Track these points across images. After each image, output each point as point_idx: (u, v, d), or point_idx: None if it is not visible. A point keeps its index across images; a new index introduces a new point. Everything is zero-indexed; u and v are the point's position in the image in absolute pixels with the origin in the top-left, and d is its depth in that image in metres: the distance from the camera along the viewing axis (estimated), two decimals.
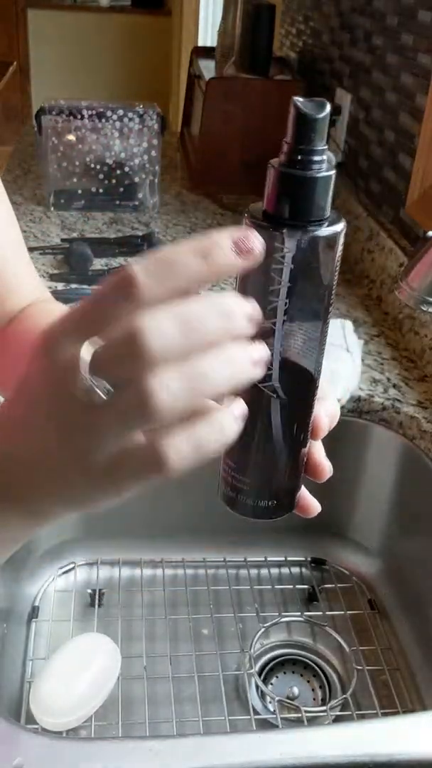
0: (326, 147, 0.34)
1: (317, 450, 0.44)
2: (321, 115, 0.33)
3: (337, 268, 0.36)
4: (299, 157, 0.33)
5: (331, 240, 0.34)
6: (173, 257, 0.30)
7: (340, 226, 0.35)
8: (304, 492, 0.44)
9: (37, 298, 0.64)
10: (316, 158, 0.33)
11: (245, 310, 0.31)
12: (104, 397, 0.30)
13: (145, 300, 0.29)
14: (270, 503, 0.42)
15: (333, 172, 0.34)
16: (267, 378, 0.36)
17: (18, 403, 0.35)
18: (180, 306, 0.30)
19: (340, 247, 0.35)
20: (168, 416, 0.30)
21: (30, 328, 0.60)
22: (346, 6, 1.49)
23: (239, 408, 0.33)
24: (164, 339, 0.29)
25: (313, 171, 0.33)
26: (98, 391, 0.30)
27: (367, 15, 1.37)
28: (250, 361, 0.31)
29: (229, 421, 0.32)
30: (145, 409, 0.29)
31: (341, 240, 0.35)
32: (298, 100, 0.33)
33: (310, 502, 0.44)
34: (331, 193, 0.34)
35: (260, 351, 0.32)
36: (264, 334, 0.34)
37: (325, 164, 0.34)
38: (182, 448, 0.31)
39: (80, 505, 0.36)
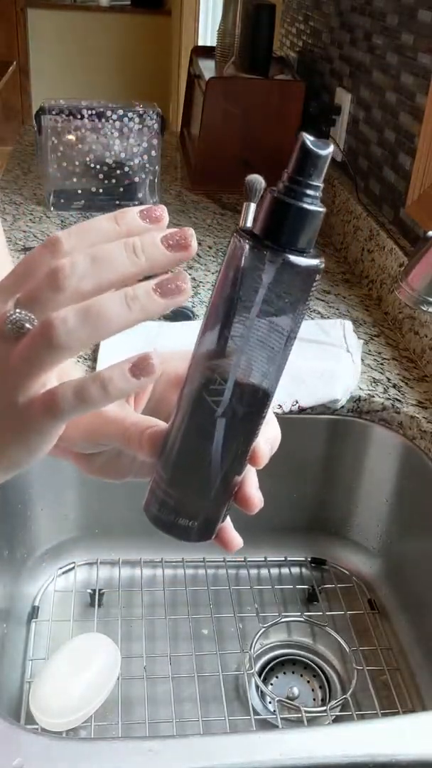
0: (322, 186, 0.35)
1: (251, 480, 0.43)
2: (324, 153, 0.34)
3: (309, 302, 0.37)
4: (296, 188, 0.34)
5: (311, 272, 0.35)
6: (91, 222, 0.35)
7: (318, 261, 0.36)
8: (228, 525, 0.44)
9: None
10: (312, 193, 0.34)
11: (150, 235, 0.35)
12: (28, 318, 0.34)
13: (66, 250, 0.34)
14: (190, 523, 0.42)
15: (323, 210, 0.35)
16: (217, 392, 0.37)
17: None
18: (93, 248, 0.34)
19: (315, 282, 0.36)
20: (65, 347, 0.34)
21: None
22: (346, 6, 1.49)
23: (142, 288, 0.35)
24: (76, 274, 0.33)
25: (306, 203, 0.34)
26: (16, 315, 0.34)
27: (367, 15, 1.37)
28: (147, 295, 0.34)
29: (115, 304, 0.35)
30: (46, 339, 0.34)
31: (318, 276, 0.36)
32: (307, 137, 0.34)
33: (232, 537, 0.44)
34: (317, 230, 0.35)
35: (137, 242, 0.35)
36: (226, 349, 0.36)
37: (318, 201, 0.35)
38: (69, 318, 0.34)
39: (8, 459, 0.38)
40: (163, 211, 0.35)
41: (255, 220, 0.35)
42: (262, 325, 0.36)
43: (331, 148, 0.35)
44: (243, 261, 0.35)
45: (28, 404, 0.36)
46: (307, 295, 0.36)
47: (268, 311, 0.36)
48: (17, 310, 0.34)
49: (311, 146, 0.34)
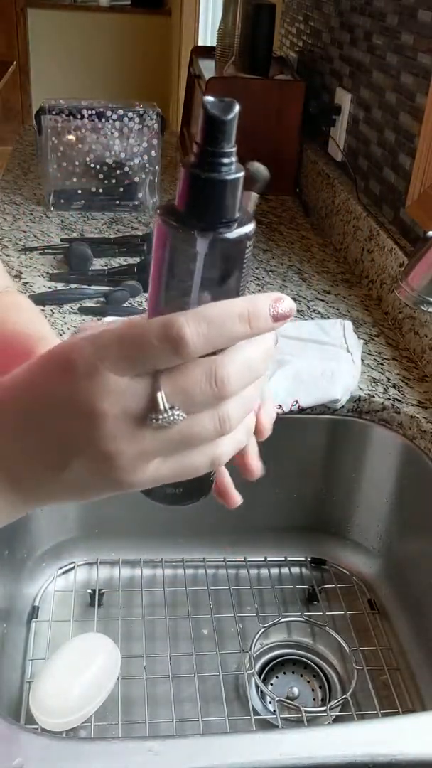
0: (234, 149, 0.34)
1: (253, 449, 0.47)
2: (228, 117, 0.33)
3: (246, 266, 0.37)
4: (207, 159, 0.33)
5: (240, 242, 0.35)
6: (223, 319, 0.34)
7: (249, 228, 0.35)
8: (228, 483, 0.48)
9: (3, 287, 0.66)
10: (224, 161, 0.33)
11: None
12: (178, 419, 0.35)
13: (189, 356, 0.34)
14: (177, 490, 0.42)
15: (240, 175, 0.34)
16: None
17: (29, 405, 0.37)
18: (247, 352, 0.36)
19: (249, 247, 0.36)
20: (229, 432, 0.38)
21: None
22: (346, 6, 1.49)
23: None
24: (239, 382, 0.36)
25: (220, 174, 0.33)
26: (173, 416, 0.35)
27: (367, 15, 1.37)
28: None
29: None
30: (219, 431, 0.37)
31: (251, 241, 0.36)
32: (208, 100, 0.33)
33: (234, 495, 0.48)
34: (239, 195, 0.34)
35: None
36: None
37: (233, 166, 0.34)
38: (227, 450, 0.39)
39: (85, 498, 0.40)
40: (289, 305, 0.36)
41: (177, 195, 0.35)
42: (205, 298, 0.36)
43: (236, 109, 0.33)
44: (172, 242, 0.34)
45: (124, 486, 0.37)
46: (243, 263, 0.36)
47: (208, 287, 0.36)
48: (176, 412, 0.35)
49: (214, 111, 0.33)
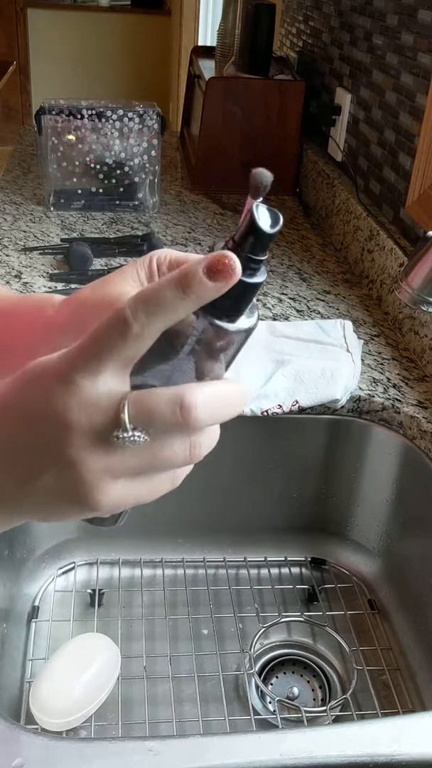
0: (265, 257, 0.35)
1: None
2: (273, 231, 0.34)
3: (232, 359, 0.38)
4: (243, 263, 0.34)
5: (237, 336, 0.36)
6: (158, 293, 0.34)
7: (250, 323, 0.36)
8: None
9: None
10: (253, 266, 0.35)
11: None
12: (139, 440, 0.35)
13: (137, 336, 0.34)
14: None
15: (262, 279, 0.35)
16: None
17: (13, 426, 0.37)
18: (217, 386, 0.36)
19: (243, 343, 0.37)
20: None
21: None
22: (346, 6, 1.49)
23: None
24: (207, 412, 0.35)
25: (245, 275, 0.34)
26: (134, 437, 0.35)
27: (367, 15, 1.37)
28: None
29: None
30: (188, 459, 0.37)
31: (248, 335, 0.37)
32: (259, 207, 0.34)
33: None
34: (254, 298, 0.36)
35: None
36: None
37: (259, 272, 0.35)
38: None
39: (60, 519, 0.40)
40: (231, 262, 0.34)
41: None
42: (180, 376, 0.37)
43: (280, 223, 0.34)
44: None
45: (89, 507, 0.37)
46: (232, 356, 0.37)
47: (190, 363, 0.37)
48: (137, 433, 0.35)
49: (260, 225, 0.34)
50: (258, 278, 0.35)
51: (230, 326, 0.36)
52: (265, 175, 0.36)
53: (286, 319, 1.12)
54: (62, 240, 1.35)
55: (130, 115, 1.44)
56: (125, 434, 0.35)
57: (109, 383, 0.35)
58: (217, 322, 0.35)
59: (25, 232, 1.38)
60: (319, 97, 1.66)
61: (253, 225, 0.34)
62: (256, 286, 0.35)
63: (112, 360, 0.35)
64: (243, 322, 0.36)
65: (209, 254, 0.34)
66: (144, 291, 0.34)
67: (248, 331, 0.36)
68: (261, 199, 0.35)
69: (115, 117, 1.44)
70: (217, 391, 0.36)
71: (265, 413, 0.92)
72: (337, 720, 0.83)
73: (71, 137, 1.45)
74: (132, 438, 0.35)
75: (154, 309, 0.34)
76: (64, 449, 0.35)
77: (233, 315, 0.36)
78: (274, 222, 0.34)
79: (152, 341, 0.35)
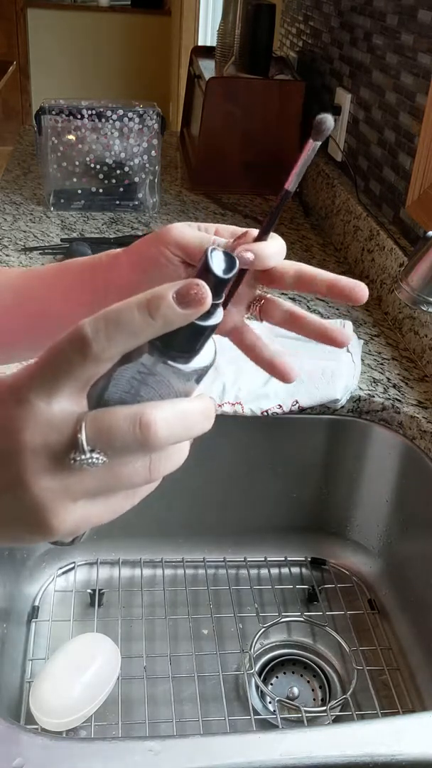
0: (221, 301, 0.35)
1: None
2: (227, 277, 0.34)
3: (197, 383, 0.38)
4: None
5: (187, 375, 0.36)
6: (120, 314, 0.33)
7: (203, 363, 0.36)
8: (284, 359, 0.49)
9: None
10: (210, 309, 0.34)
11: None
12: (98, 462, 0.34)
13: (97, 357, 0.33)
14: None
15: (216, 323, 0.35)
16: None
17: None
18: (179, 404, 0.35)
19: (196, 382, 0.37)
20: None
21: None
22: (346, 6, 1.49)
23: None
24: (167, 431, 0.34)
25: (198, 320, 0.34)
26: (92, 459, 0.34)
27: (367, 15, 1.37)
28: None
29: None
30: (148, 478, 0.36)
31: (202, 375, 0.37)
32: (214, 252, 0.34)
33: (290, 368, 0.49)
34: (205, 339, 0.35)
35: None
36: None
37: (212, 316, 0.35)
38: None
39: (19, 543, 0.39)
40: (201, 290, 0.33)
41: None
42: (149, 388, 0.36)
43: (236, 269, 0.34)
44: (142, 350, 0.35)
45: (45, 529, 0.36)
46: (190, 386, 0.37)
47: (137, 396, 0.36)
48: (95, 455, 0.34)
49: (214, 269, 0.34)
50: (211, 321, 0.34)
51: (182, 367, 0.35)
52: (329, 118, 0.36)
53: None
54: (62, 240, 1.35)
55: (130, 115, 1.44)
56: (82, 456, 0.33)
57: (63, 404, 0.34)
58: (169, 362, 0.35)
59: (25, 232, 1.38)
60: (319, 97, 1.66)
61: (206, 269, 0.34)
62: (209, 329, 0.35)
63: (68, 380, 0.34)
64: (196, 361, 0.35)
65: (180, 281, 0.34)
66: (108, 310, 0.33)
67: (201, 371, 0.36)
68: (320, 142, 0.35)
69: (115, 117, 1.44)
70: (178, 409, 0.35)
71: (265, 413, 0.92)
72: (337, 720, 0.83)
73: (71, 137, 1.45)
74: (90, 459, 0.34)
75: (116, 330, 0.33)
76: (20, 471, 0.34)
77: (185, 355, 0.35)
78: (229, 268, 0.34)
79: (111, 363, 0.34)
